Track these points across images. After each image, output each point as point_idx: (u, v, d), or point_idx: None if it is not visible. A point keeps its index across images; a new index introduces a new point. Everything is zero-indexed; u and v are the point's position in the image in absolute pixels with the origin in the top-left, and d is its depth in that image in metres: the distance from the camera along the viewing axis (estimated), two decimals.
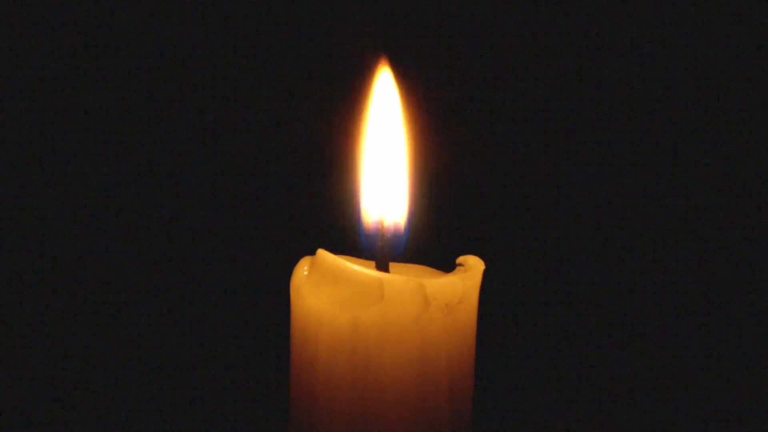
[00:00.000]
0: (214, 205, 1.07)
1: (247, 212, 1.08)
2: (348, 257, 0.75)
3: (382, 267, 0.75)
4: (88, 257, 1.06)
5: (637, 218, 1.07)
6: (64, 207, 1.06)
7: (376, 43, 1.03)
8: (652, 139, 1.06)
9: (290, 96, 1.06)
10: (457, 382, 0.73)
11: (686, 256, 1.07)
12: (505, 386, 1.06)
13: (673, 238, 1.07)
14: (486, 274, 0.75)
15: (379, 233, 0.76)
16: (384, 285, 0.71)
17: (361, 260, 0.76)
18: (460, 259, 0.75)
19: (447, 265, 0.76)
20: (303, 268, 0.74)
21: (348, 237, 0.84)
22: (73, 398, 1.04)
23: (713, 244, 1.07)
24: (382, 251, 0.75)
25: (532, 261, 1.08)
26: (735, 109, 1.05)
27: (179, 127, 1.06)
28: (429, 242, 0.90)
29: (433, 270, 0.76)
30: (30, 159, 1.05)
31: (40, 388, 1.04)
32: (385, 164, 0.76)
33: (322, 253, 0.73)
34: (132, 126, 1.06)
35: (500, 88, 1.07)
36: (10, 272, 1.05)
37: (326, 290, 0.72)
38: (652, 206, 1.07)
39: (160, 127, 1.06)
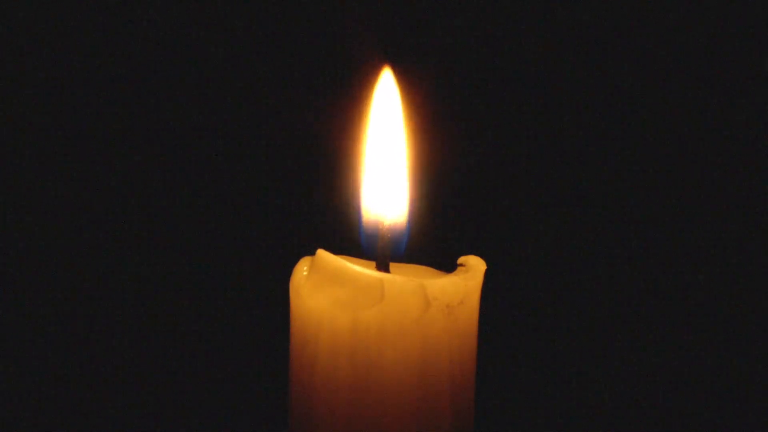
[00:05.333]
0: (214, 205, 1.07)
1: (247, 212, 1.07)
2: (348, 257, 0.74)
3: (383, 267, 0.75)
4: (90, 258, 1.06)
5: (638, 218, 1.07)
6: (63, 207, 1.06)
7: (378, 42, 1.03)
8: (652, 139, 1.06)
9: (291, 96, 1.06)
10: (458, 383, 0.73)
11: (687, 256, 1.07)
12: (506, 387, 1.06)
13: (673, 238, 1.07)
14: (487, 275, 0.74)
15: (379, 233, 0.75)
16: (384, 285, 0.70)
17: (361, 260, 0.76)
18: (462, 260, 0.75)
19: (448, 266, 0.75)
20: (303, 269, 0.74)
21: (348, 237, 0.84)
22: (72, 399, 1.04)
23: (714, 245, 1.06)
24: (382, 251, 0.75)
25: (534, 261, 1.08)
26: (734, 109, 1.05)
27: (179, 128, 1.06)
28: (430, 242, 0.90)
29: (434, 270, 0.76)
30: (29, 159, 1.05)
31: (39, 388, 1.04)
32: (385, 164, 0.76)
33: (322, 253, 0.73)
34: (132, 126, 1.06)
35: (501, 88, 1.06)
36: (11, 273, 1.05)
37: (326, 291, 0.72)
38: (653, 206, 1.07)
39: (161, 128, 1.06)
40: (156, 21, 1.05)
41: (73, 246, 1.06)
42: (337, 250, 0.73)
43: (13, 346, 1.05)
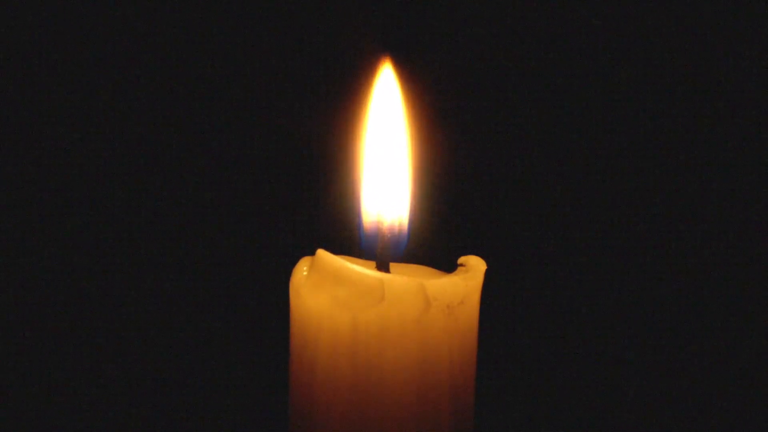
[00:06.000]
0: (214, 205, 1.07)
1: (247, 212, 1.07)
2: (348, 257, 0.74)
3: (383, 267, 0.75)
4: (90, 258, 1.06)
5: (638, 218, 1.07)
6: (64, 207, 1.06)
7: (378, 41, 1.03)
8: (652, 139, 1.06)
9: (291, 95, 1.06)
10: (458, 383, 0.73)
11: (687, 256, 1.07)
12: (506, 387, 1.06)
13: (673, 238, 1.07)
14: (488, 275, 0.74)
15: (379, 233, 0.75)
16: (385, 285, 0.70)
17: (361, 260, 0.76)
18: (462, 260, 0.75)
19: (448, 266, 0.75)
20: (303, 269, 0.74)
21: (348, 237, 0.84)
22: (73, 399, 1.04)
23: (714, 246, 1.06)
24: (382, 251, 0.75)
25: (534, 261, 1.08)
26: (734, 109, 1.05)
27: (179, 128, 1.06)
28: (430, 242, 0.90)
29: (434, 270, 0.76)
30: (29, 159, 1.05)
31: (38, 387, 1.04)
32: (385, 164, 0.76)
33: (321, 253, 0.73)
34: (132, 126, 1.06)
35: (502, 88, 1.06)
36: (11, 273, 1.05)
37: (326, 291, 0.72)
38: (653, 206, 1.07)
39: (161, 128, 1.06)
40: (154, 20, 1.04)
41: (74, 246, 1.06)
42: (337, 250, 0.73)
43: (13, 346, 1.05)
